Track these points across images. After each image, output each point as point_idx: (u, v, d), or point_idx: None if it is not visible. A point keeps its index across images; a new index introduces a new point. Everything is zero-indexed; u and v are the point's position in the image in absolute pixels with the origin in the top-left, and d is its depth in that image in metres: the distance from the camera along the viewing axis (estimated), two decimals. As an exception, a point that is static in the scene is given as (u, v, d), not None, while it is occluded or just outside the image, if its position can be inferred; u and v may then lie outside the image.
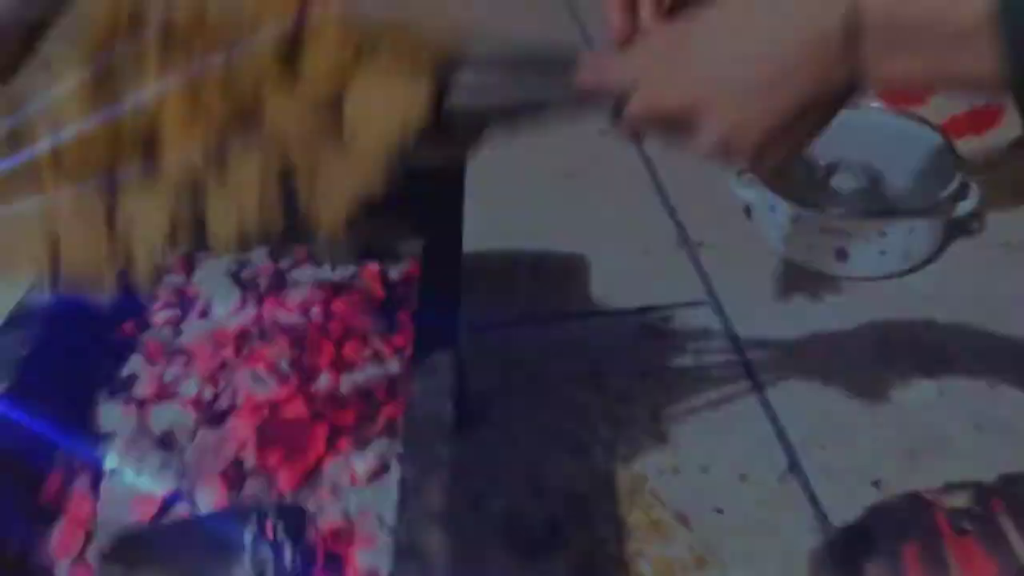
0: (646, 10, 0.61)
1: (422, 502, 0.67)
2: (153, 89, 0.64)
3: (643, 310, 1.34)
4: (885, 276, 1.29)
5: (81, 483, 0.86)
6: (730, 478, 1.08)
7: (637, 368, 1.23)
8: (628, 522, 1.05)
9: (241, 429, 0.91)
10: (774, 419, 1.14)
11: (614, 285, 1.37)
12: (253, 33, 0.67)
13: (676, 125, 0.54)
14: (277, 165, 0.64)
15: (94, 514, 0.85)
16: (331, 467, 0.87)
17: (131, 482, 0.86)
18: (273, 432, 0.90)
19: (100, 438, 0.90)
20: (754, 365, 1.22)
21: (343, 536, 0.77)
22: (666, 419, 1.16)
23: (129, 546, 0.69)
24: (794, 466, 1.08)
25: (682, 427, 1.15)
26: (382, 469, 0.85)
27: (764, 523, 1.01)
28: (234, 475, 0.87)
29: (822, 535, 0.97)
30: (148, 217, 0.63)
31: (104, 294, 0.62)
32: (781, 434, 1.12)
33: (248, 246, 0.69)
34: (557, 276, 1.39)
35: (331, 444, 0.88)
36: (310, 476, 0.88)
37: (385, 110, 0.65)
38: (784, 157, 0.53)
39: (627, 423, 1.17)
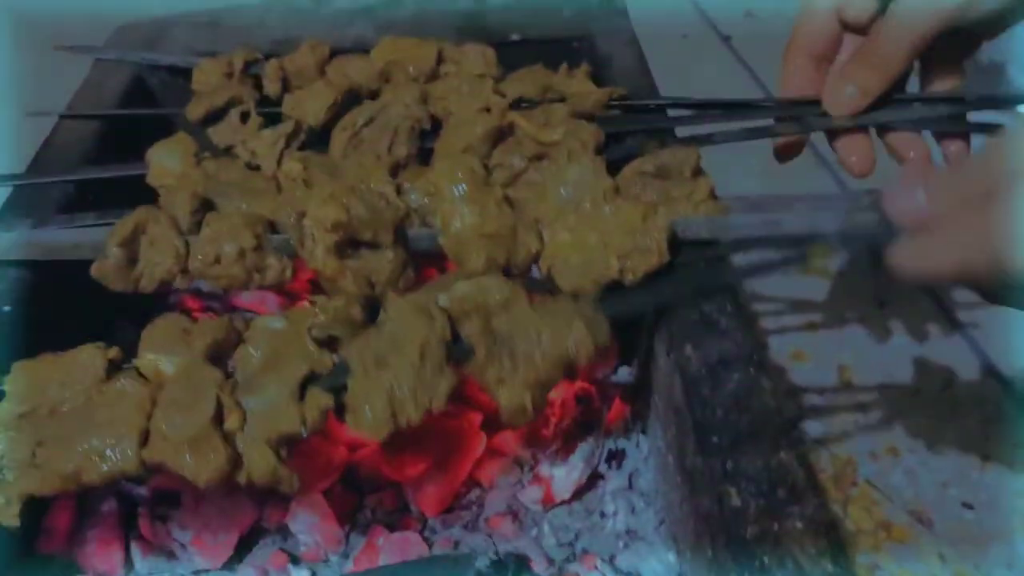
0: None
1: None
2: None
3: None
4: None
5: (102, 524, 0.58)
6: (967, 461, 0.83)
7: (797, 310, 0.96)
8: (844, 523, 0.79)
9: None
10: (1002, 381, 0.89)
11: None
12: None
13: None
14: (442, 331, 0.49)
15: (127, 566, 0.57)
16: (498, 477, 0.60)
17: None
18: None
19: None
20: (956, 309, 0.97)
21: (565, 600, 0.50)
22: (861, 383, 0.90)
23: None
24: (1049, 443, 0.83)
25: (885, 393, 0.89)
26: (589, 480, 0.58)
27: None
28: (341, 494, 0.60)
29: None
30: (270, 411, 0.48)
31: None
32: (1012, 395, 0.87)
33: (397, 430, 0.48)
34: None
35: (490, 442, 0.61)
36: (462, 493, 0.60)
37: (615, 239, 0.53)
38: None
39: (808, 389, 0.91)
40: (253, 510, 0.59)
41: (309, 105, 0.67)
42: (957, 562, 0.75)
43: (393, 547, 0.57)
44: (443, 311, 0.49)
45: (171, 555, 0.58)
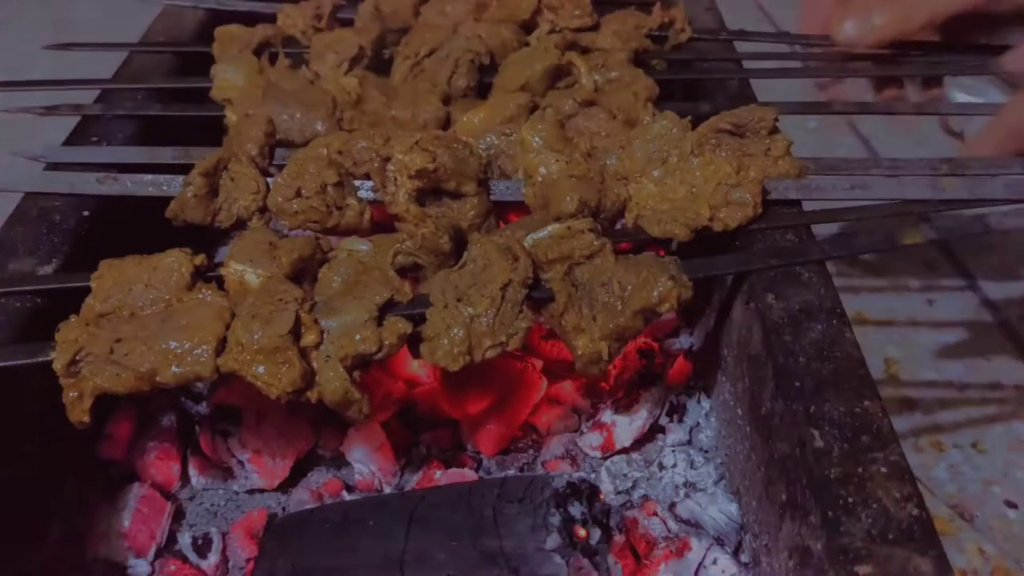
0: None
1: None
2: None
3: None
4: None
5: (162, 436, 0.58)
6: (1012, 460, 0.82)
7: (845, 301, 0.96)
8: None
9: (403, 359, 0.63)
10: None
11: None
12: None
13: None
14: (524, 273, 0.49)
15: (183, 480, 0.58)
16: (556, 424, 0.60)
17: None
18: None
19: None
20: (1000, 304, 0.96)
21: (628, 537, 0.50)
22: (907, 378, 0.90)
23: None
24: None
25: (931, 388, 0.89)
26: (648, 432, 0.58)
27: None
28: (397, 429, 0.60)
29: None
30: (348, 332, 0.47)
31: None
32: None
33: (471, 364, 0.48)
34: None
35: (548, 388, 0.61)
36: (519, 436, 0.60)
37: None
38: None
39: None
40: (311, 435, 0.59)
41: (329, 58, 0.67)
42: (998, 558, 0.75)
43: (450, 481, 0.57)
44: (527, 253, 0.49)
45: (228, 472, 0.58)
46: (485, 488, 0.43)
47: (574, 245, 0.50)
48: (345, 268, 0.51)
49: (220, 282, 0.51)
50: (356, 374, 0.48)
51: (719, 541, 0.51)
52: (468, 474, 0.57)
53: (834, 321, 0.48)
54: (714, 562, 0.49)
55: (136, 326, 0.48)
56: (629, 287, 0.48)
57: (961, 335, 0.93)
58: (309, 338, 0.47)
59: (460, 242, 0.53)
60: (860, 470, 0.41)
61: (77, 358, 0.47)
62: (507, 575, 0.37)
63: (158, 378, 0.46)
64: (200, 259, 0.51)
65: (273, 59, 0.71)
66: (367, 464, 0.58)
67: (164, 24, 0.77)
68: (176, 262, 0.50)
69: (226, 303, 0.49)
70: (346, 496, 0.58)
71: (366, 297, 0.49)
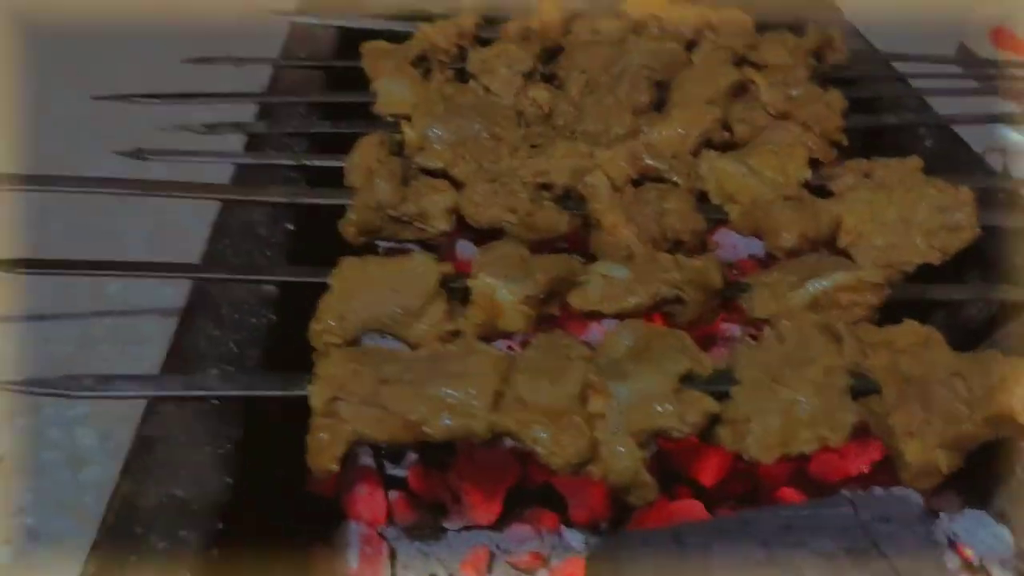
0: None
1: None
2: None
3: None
4: None
5: (363, 471, 0.54)
6: None
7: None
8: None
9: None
10: None
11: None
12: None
13: None
14: (851, 357, 0.43)
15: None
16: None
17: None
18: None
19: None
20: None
21: None
22: None
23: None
24: None
25: None
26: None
27: None
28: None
29: None
30: (643, 402, 0.41)
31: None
32: None
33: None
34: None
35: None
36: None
37: None
38: None
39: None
40: (517, 467, 0.55)
41: (502, 72, 0.66)
42: None
43: (673, 516, 0.53)
44: (852, 334, 0.43)
45: (435, 510, 0.53)
46: (842, 505, 0.38)
47: (895, 335, 0.44)
48: (633, 330, 0.45)
49: (464, 294, 0.47)
50: (647, 452, 0.41)
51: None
52: (695, 505, 0.54)
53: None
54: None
55: (401, 367, 0.42)
56: (978, 388, 0.41)
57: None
58: (597, 404, 0.41)
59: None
60: None
61: (338, 397, 0.40)
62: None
63: (426, 428, 0.40)
64: (447, 267, 0.47)
65: (426, 75, 0.69)
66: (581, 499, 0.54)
67: (298, 42, 0.74)
68: (422, 266, 0.46)
69: (502, 353, 0.43)
70: (564, 529, 0.53)
71: (663, 364, 0.42)
